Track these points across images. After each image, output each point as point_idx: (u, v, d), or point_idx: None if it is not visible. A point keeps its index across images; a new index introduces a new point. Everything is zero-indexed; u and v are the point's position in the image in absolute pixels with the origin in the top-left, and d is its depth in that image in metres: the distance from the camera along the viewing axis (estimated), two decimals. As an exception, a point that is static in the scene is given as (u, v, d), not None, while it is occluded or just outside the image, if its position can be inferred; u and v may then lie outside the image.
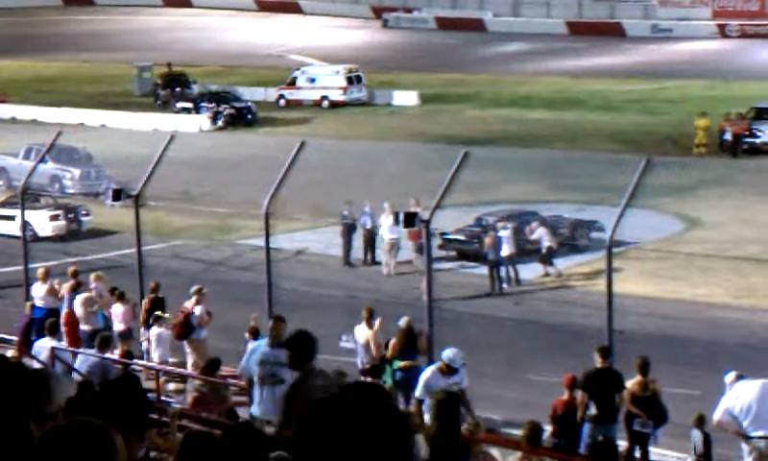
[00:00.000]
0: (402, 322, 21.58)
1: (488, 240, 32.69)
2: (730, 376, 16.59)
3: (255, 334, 22.65)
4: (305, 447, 3.27)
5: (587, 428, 17.90)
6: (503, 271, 32.59)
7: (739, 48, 79.16)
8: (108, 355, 19.79)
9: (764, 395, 16.19)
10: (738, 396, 16.22)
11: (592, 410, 17.75)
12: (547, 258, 33.25)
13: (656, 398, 18.05)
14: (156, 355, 22.95)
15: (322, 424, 3.27)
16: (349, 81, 65.16)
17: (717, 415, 16.40)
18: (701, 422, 17.61)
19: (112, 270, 29.71)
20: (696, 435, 17.77)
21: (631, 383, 18.00)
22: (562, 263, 33.62)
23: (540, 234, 33.41)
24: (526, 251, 33.42)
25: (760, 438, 16.10)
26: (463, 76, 71.70)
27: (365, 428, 3.25)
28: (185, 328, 22.94)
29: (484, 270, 32.85)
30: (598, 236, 32.69)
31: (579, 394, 17.93)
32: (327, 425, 3.26)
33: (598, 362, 18.12)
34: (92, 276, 25.59)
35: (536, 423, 15.20)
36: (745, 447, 16.32)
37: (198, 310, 23.20)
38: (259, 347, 14.75)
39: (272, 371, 14.09)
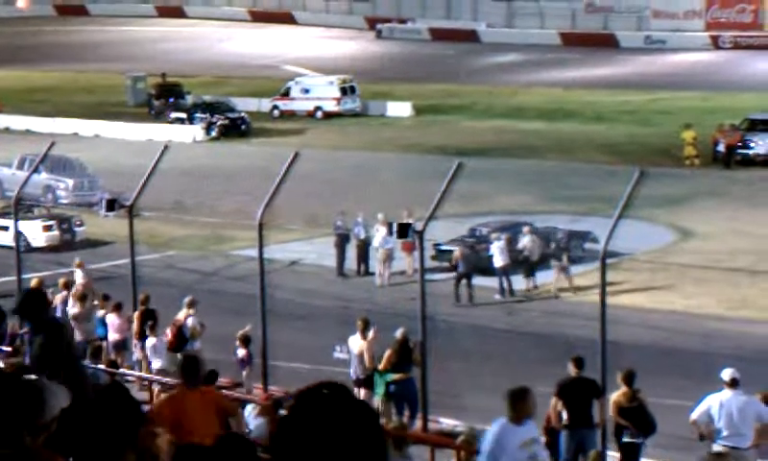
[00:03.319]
0: (398, 333, 21.59)
1: (456, 253, 32.63)
2: (726, 373, 16.68)
3: (246, 342, 22.66)
4: (283, 449, 3.32)
5: (563, 436, 18.02)
6: (497, 282, 32.63)
7: (732, 60, 79.29)
8: (100, 365, 19.81)
9: (745, 410, 16.43)
10: (723, 404, 16.43)
11: (564, 418, 17.89)
12: (528, 269, 33.18)
13: (642, 408, 18.07)
14: (155, 365, 22.97)
15: (299, 424, 3.32)
16: (343, 91, 65.19)
17: (695, 414, 16.64)
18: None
19: (106, 280, 29.70)
20: None
21: (616, 394, 18.02)
22: (556, 274, 33.61)
23: (525, 243, 33.26)
24: (519, 261, 33.40)
25: (730, 448, 16.33)
26: (456, 87, 71.76)
27: (341, 427, 3.29)
28: (178, 340, 22.95)
29: (476, 281, 32.84)
30: (592, 247, 32.72)
31: (552, 401, 18.02)
32: (304, 426, 3.31)
33: (573, 372, 18.22)
34: (75, 263, 25.74)
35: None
36: (715, 450, 16.57)
37: (190, 322, 23.21)
38: (504, 430, 11.92)
39: (533, 452, 12.04)
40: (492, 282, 32.73)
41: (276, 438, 3.35)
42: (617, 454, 18.38)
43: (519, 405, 11.83)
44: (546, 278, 33.39)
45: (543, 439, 17.58)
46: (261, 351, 21.95)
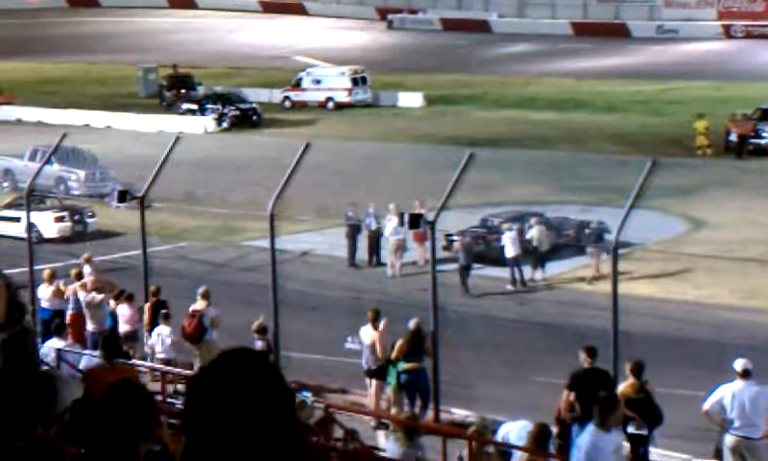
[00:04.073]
0: (412, 323, 21.59)
1: (457, 245, 32.60)
2: (738, 363, 16.69)
3: (263, 333, 22.64)
4: (192, 413, 3.34)
5: (575, 429, 17.94)
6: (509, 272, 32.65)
7: (744, 49, 79.11)
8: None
9: (758, 400, 16.45)
10: (735, 394, 16.46)
11: (577, 410, 17.82)
12: (537, 260, 33.15)
13: (649, 399, 18.00)
14: (159, 355, 22.99)
15: (207, 390, 3.34)
16: (355, 82, 65.20)
17: (708, 405, 16.68)
18: None
19: (118, 272, 29.75)
20: None
21: (624, 386, 17.96)
22: (567, 265, 33.60)
23: (533, 234, 33.21)
24: (530, 251, 33.38)
25: (743, 438, 16.37)
26: (468, 77, 71.71)
27: (248, 393, 3.31)
28: (198, 330, 22.92)
29: (488, 271, 32.87)
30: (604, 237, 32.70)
31: (565, 393, 17.93)
32: (212, 391, 3.33)
33: (585, 362, 18.14)
34: (83, 257, 25.77)
35: (544, 424, 15.23)
36: (728, 440, 16.61)
37: (211, 312, 23.18)
38: (597, 438, 12.10)
39: (621, 458, 12.48)
40: (503, 273, 32.73)
41: (186, 398, 3.38)
42: (627, 444, 18.37)
43: (610, 413, 12.19)
44: (557, 268, 33.40)
45: (555, 430, 17.61)
46: (273, 341, 22.01)
